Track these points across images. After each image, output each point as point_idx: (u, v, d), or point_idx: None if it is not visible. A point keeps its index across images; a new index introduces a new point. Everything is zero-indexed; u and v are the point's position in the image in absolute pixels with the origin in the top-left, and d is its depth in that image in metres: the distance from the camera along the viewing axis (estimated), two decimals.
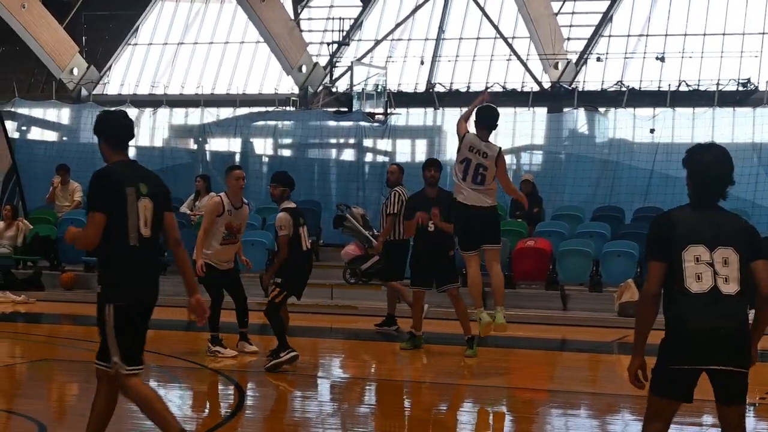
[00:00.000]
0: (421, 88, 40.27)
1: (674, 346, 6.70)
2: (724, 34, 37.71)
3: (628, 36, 39.72)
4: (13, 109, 30.44)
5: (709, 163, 6.83)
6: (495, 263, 15.13)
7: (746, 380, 6.86)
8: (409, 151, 29.63)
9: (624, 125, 27.00)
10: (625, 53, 39.27)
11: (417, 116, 32.99)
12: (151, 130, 32.05)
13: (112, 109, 8.53)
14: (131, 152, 27.17)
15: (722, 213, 6.86)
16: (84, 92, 43.38)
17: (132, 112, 30.86)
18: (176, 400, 12.54)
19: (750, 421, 11.00)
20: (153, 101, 38.28)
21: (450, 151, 28.50)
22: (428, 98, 37.94)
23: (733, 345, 6.67)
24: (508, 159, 27.93)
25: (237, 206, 14.62)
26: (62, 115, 32.95)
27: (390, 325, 18.13)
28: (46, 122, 32.41)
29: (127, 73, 45.54)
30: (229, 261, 14.92)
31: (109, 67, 45.65)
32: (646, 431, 7.06)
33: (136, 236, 7.84)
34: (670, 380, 6.76)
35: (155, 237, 8.02)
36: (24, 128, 30.85)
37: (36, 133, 31.62)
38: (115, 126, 8.14)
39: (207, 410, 12.19)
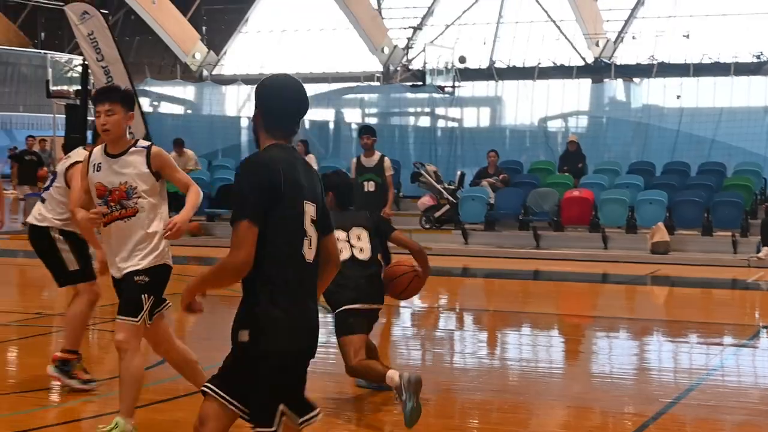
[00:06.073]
0: (484, 65, 40.05)
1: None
2: (740, 15, 37.08)
3: (659, 17, 39.18)
4: (146, 88, 30.70)
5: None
6: None
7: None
8: (474, 118, 29.41)
9: (655, 93, 26.62)
10: (656, 32, 38.74)
11: (480, 88, 32.77)
12: None
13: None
14: (244, 123, 27.41)
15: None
16: (204, 73, 43.61)
17: (245, 89, 30.99)
18: None
19: None
20: (261, 79, 38.43)
21: (508, 117, 28.30)
22: (489, 73, 37.74)
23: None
24: (559, 123, 27.77)
25: None
26: (187, 92, 33.08)
27: None
28: (174, 98, 32.57)
29: (240, 56, 45.71)
30: None
31: (225, 52, 45.85)
32: None
33: None
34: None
35: None
36: (155, 104, 31.06)
37: (165, 108, 31.81)
38: None
39: None
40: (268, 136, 4.58)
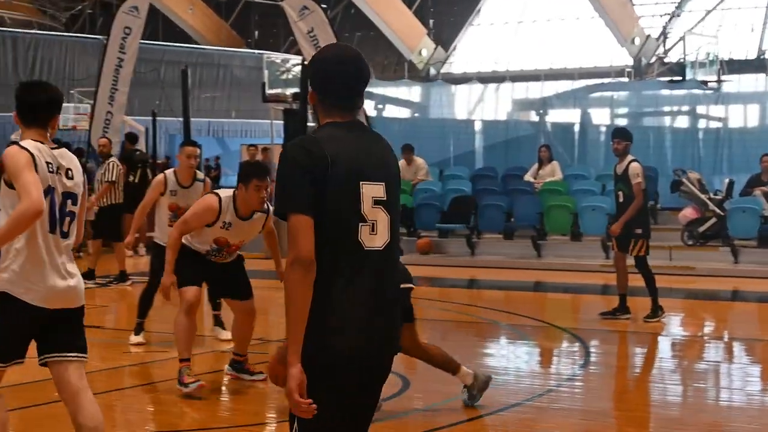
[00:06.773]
0: (752, 55, 39.13)
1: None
2: None
3: None
4: (369, 89, 31.30)
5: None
6: None
7: None
8: (742, 116, 28.79)
9: None
10: None
11: (748, 82, 32.08)
12: (495, 104, 32.27)
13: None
14: (478, 126, 27.34)
15: None
16: (432, 71, 44.19)
17: (477, 88, 31.27)
18: (524, 356, 12.75)
19: None
20: (496, 77, 38.65)
21: None
22: (759, 64, 36.87)
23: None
24: None
25: (185, 185, 12.02)
26: (413, 93, 33.59)
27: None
28: (399, 100, 33.14)
29: (472, 52, 46.07)
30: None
31: (455, 47, 46.30)
32: None
33: None
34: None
35: None
36: (380, 107, 31.64)
37: (391, 111, 32.35)
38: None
39: (554, 366, 12.31)
40: (326, 116, 4.58)
